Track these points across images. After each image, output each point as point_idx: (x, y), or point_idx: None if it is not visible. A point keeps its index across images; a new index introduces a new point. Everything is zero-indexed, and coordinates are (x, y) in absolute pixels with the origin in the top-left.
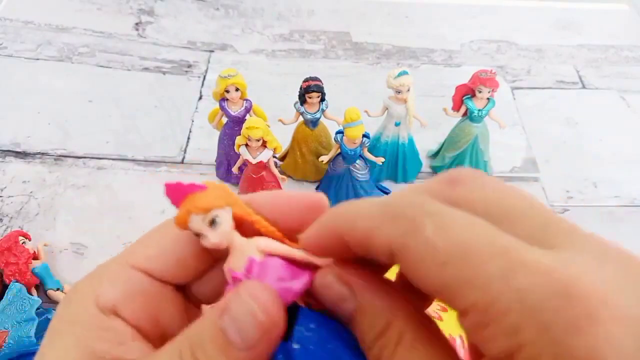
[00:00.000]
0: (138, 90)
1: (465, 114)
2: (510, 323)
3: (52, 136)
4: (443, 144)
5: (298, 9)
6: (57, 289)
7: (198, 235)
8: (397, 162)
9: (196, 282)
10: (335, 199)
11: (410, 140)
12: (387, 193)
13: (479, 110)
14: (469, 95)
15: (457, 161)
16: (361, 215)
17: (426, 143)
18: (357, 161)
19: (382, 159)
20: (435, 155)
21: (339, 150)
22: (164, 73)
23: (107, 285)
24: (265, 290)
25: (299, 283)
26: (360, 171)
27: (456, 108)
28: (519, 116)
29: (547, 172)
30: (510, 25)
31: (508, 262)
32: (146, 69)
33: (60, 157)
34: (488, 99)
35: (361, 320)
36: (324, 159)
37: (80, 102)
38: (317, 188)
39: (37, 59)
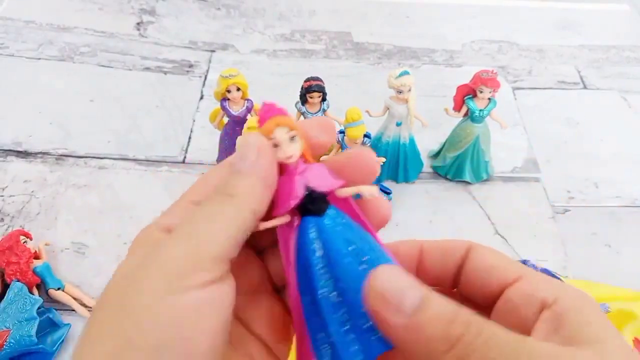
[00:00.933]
0: (139, 90)
1: (466, 114)
2: None
3: (54, 136)
4: (444, 144)
5: (299, 9)
6: (58, 288)
7: (276, 145)
8: (398, 162)
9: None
10: None
11: (412, 140)
12: (388, 193)
13: (480, 110)
14: (470, 96)
15: (458, 161)
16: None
17: (427, 143)
18: None
19: (383, 159)
20: (436, 155)
21: (340, 150)
22: (165, 73)
23: (168, 217)
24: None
25: (336, 182)
26: None
27: (457, 108)
28: (520, 116)
29: (548, 172)
30: (511, 26)
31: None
32: (147, 68)
33: (61, 157)
34: (489, 99)
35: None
36: (325, 159)
37: (81, 101)
38: None
39: (39, 59)
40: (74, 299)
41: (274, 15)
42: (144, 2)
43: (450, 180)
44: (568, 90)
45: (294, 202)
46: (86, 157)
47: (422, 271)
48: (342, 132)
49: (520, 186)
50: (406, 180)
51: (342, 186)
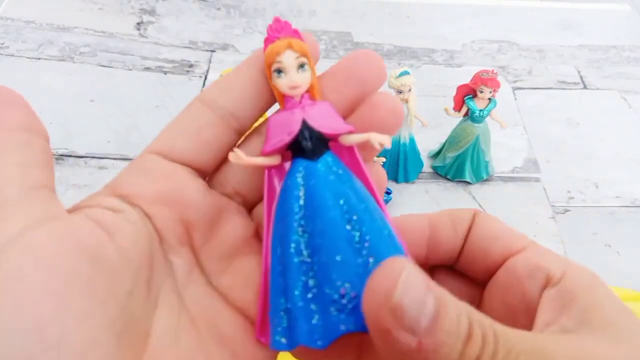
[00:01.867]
0: (139, 90)
1: (466, 114)
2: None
3: (54, 136)
4: (444, 144)
5: (299, 9)
6: None
7: (280, 71)
8: (398, 162)
9: (219, 172)
10: None
11: (412, 140)
12: (388, 193)
13: (480, 110)
14: (470, 96)
15: (458, 161)
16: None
17: (427, 143)
18: None
19: (383, 159)
20: (436, 155)
21: None
22: (165, 73)
23: (150, 182)
24: None
25: (343, 126)
26: None
27: (457, 108)
28: (520, 116)
29: (548, 173)
30: (511, 26)
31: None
32: (147, 68)
33: (61, 157)
34: (489, 99)
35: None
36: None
37: (81, 101)
38: None
39: (39, 59)
40: None
41: (274, 15)
42: (144, 2)
43: (450, 180)
44: (568, 90)
45: (287, 139)
46: (86, 157)
47: (433, 247)
48: None
49: (520, 186)
50: (406, 180)
51: (350, 132)
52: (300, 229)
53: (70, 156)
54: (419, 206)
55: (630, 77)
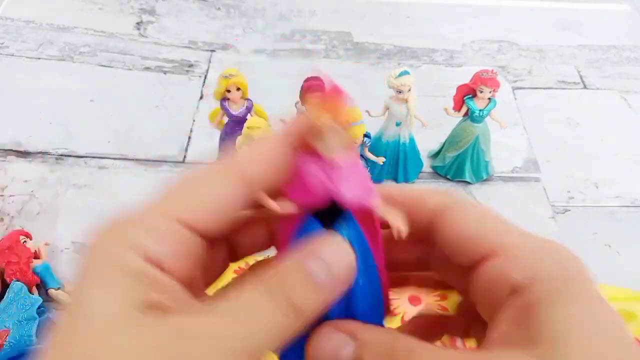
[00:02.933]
0: (139, 90)
1: (466, 114)
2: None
3: (54, 135)
4: (444, 144)
5: (299, 9)
6: (58, 288)
7: (317, 134)
8: (398, 162)
9: (236, 235)
10: None
11: (411, 140)
12: None
13: (480, 110)
14: (470, 95)
15: (458, 161)
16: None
17: (427, 143)
18: None
19: (383, 159)
20: (436, 155)
21: None
22: (165, 72)
23: (152, 240)
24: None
25: (371, 197)
26: None
27: (457, 108)
28: (520, 116)
29: (549, 173)
30: (511, 26)
31: None
32: (147, 68)
33: (61, 157)
34: (489, 99)
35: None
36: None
37: (81, 101)
38: None
39: (39, 59)
40: None
41: (274, 16)
42: (144, 2)
43: (450, 180)
44: (568, 90)
45: (314, 203)
46: (86, 157)
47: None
48: None
49: (520, 186)
50: (406, 180)
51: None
52: None
53: (70, 156)
54: None
55: (630, 77)
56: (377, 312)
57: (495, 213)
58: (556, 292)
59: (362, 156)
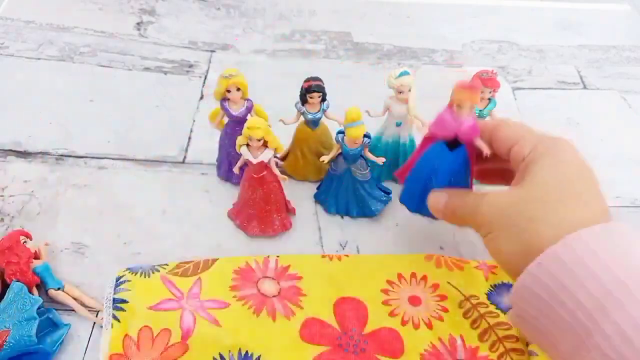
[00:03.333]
0: (139, 90)
1: None
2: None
3: (53, 136)
4: None
5: (299, 9)
6: (58, 289)
7: (458, 103)
8: (398, 163)
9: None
10: (335, 199)
11: (412, 141)
12: (388, 193)
13: (480, 110)
14: None
15: None
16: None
17: None
18: (358, 161)
19: (383, 159)
20: None
21: (339, 151)
22: (165, 73)
23: None
24: None
25: (475, 136)
26: (361, 171)
27: None
28: (520, 116)
29: None
30: (511, 26)
31: None
32: (147, 68)
33: (61, 157)
34: (489, 99)
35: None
36: (325, 158)
37: (81, 101)
38: (318, 188)
39: (39, 59)
40: (74, 299)
41: (274, 15)
42: (143, 2)
43: None
44: (568, 91)
45: (446, 136)
46: (86, 157)
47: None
48: (341, 132)
49: None
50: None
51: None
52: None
53: (70, 156)
54: None
55: (630, 77)
56: (467, 186)
57: (522, 123)
58: (542, 155)
59: (362, 156)
